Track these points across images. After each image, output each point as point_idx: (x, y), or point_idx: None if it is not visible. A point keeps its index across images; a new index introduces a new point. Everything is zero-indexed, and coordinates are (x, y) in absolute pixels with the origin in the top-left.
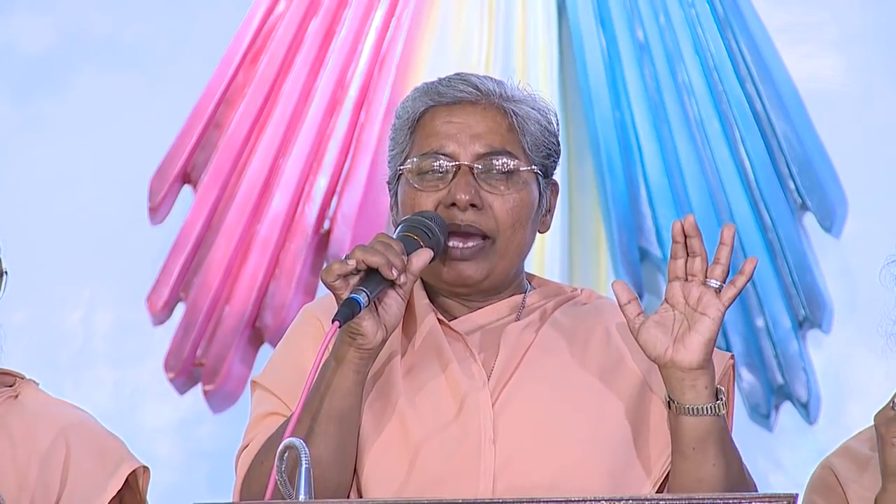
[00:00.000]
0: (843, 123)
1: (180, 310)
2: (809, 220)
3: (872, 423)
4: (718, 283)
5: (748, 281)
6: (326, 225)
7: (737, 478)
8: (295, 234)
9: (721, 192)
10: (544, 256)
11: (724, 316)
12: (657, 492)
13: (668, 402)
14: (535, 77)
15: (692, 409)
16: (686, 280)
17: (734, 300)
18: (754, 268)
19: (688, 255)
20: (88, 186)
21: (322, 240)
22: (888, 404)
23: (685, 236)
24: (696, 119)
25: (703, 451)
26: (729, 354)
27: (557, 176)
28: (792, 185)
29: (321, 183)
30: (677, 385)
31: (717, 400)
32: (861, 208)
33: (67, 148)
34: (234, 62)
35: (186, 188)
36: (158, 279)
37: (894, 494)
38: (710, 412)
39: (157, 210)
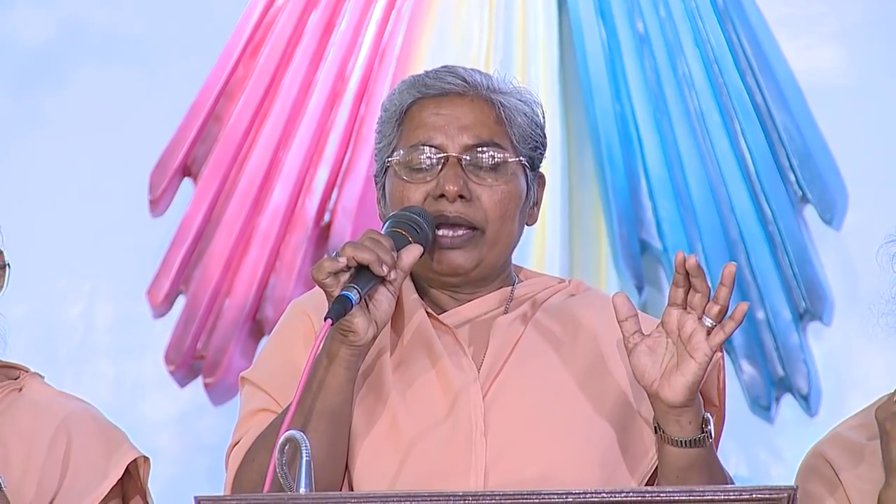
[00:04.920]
0: (843, 115)
1: (181, 303)
2: (810, 212)
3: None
4: (713, 323)
5: (737, 326)
6: (327, 217)
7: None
8: (295, 226)
9: (721, 184)
10: (545, 249)
11: (710, 361)
12: (646, 485)
13: (655, 428)
14: (536, 70)
15: (676, 441)
16: (685, 310)
17: (722, 344)
18: (744, 315)
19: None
20: (88, 180)
21: (322, 232)
22: (890, 398)
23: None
24: (696, 111)
25: (687, 480)
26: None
27: (557, 168)
28: (792, 178)
29: (321, 175)
30: (662, 416)
31: (702, 433)
32: (861, 200)
33: (67, 141)
34: (234, 55)
35: (187, 181)
36: (159, 272)
37: None
38: (694, 445)
39: (158, 203)
